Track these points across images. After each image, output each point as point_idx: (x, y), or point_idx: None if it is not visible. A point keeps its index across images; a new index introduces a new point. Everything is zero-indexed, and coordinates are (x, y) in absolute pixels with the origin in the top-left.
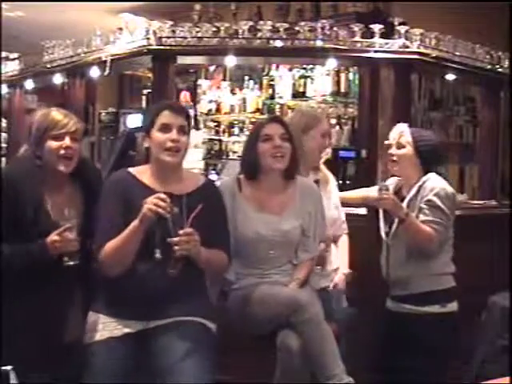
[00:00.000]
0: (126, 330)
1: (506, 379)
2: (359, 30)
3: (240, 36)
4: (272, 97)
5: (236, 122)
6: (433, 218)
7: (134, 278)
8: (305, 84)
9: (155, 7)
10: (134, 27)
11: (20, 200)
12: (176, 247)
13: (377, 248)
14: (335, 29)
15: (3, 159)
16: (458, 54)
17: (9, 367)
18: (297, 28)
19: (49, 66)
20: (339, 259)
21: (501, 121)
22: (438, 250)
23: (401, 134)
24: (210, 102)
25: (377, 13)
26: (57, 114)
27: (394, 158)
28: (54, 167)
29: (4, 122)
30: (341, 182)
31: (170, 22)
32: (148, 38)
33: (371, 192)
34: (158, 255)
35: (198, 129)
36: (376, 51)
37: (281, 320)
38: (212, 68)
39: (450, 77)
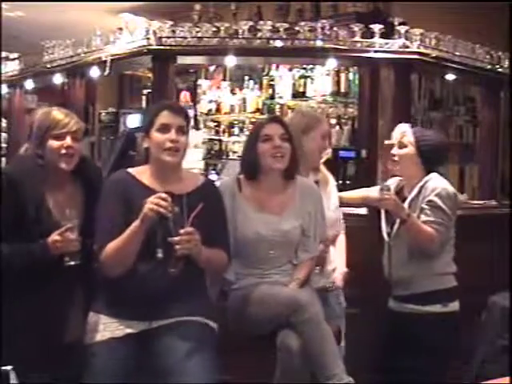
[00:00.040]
0: (128, 331)
1: (506, 379)
2: (359, 30)
3: (240, 36)
4: (272, 97)
5: (236, 122)
6: (434, 219)
7: (136, 278)
8: (305, 84)
9: (155, 7)
10: (134, 27)
11: (22, 199)
12: (177, 246)
13: (377, 248)
14: (335, 29)
15: (3, 159)
16: (457, 53)
17: (9, 367)
18: (297, 28)
19: (49, 65)
20: (337, 258)
21: (501, 121)
22: (440, 250)
23: (403, 134)
24: (210, 101)
25: (377, 13)
26: (58, 113)
27: (396, 158)
28: (56, 166)
29: (4, 122)
30: (341, 182)
31: (170, 22)
32: (148, 38)
33: (371, 192)
34: (159, 255)
35: (197, 129)
36: (376, 51)
37: (281, 320)
38: (212, 68)
39: (450, 77)
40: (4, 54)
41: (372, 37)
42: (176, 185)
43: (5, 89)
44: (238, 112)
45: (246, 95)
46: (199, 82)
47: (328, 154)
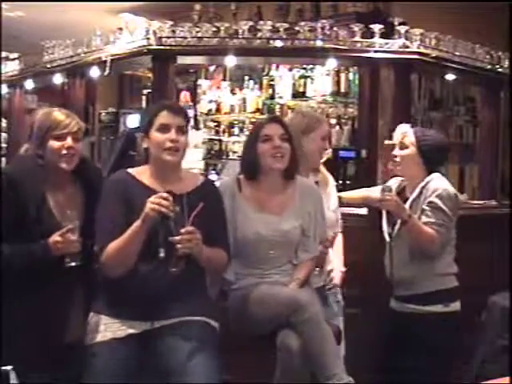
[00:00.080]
0: (130, 331)
1: (506, 379)
2: (359, 30)
3: (240, 36)
4: (272, 97)
5: (236, 122)
6: (435, 220)
7: (137, 279)
8: (305, 84)
9: (155, 7)
10: (134, 27)
11: (22, 199)
12: (178, 246)
13: (378, 248)
14: (335, 29)
15: (3, 159)
16: (457, 54)
17: (9, 367)
18: (297, 28)
19: (49, 65)
20: (335, 258)
21: (501, 121)
22: (440, 250)
23: (404, 135)
24: (210, 101)
25: (377, 13)
26: (59, 114)
27: (398, 159)
28: (56, 166)
29: (4, 122)
30: (341, 182)
31: (170, 22)
32: (148, 38)
33: (372, 192)
34: (162, 254)
35: (197, 129)
36: (376, 51)
37: (281, 320)
38: (212, 68)
39: (450, 77)
40: (4, 54)
41: (372, 37)
42: (176, 184)
43: (5, 89)
44: (238, 112)
45: (246, 95)
46: (199, 82)
47: (328, 153)
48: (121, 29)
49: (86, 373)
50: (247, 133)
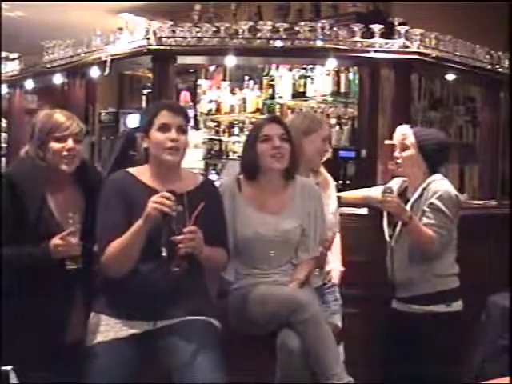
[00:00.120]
0: (133, 331)
1: (506, 379)
2: (359, 30)
3: (240, 36)
4: (272, 97)
5: (236, 122)
6: (435, 222)
7: (139, 279)
8: (305, 84)
9: (155, 7)
10: (134, 27)
11: (23, 201)
12: (180, 245)
13: (378, 248)
14: (335, 29)
15: (3, 159)
16: (457, 54)
17: (9, 367)
18: (297, 28)
19: (49, 66)
20: (333, 257)
21: (501, 121)
22: (441, 252)
23: (404, 136)
24: (210, 101)
25: (377, 13)
26: (60, 115)
27: (399, 161)
28: (57, 167)
29: (4, 122)
30: (341, 182)
31: (170, 22)
32: (148, 38)
33: (372, 192)
34: (164, 254)
35: (198, 129)
36: (376, 51)
37: (280, 320)
38: (212, 68)
39: (450, 77)
40: (4, 54)
41: (372, 37)
42: (176, 184)
43: (5, 89)
44: (238, 112)
45: (246, 95)
46: (199, 82)
47: (328, 155)
48: (121, 29)
49: (87, 373)
50: (247, 133)
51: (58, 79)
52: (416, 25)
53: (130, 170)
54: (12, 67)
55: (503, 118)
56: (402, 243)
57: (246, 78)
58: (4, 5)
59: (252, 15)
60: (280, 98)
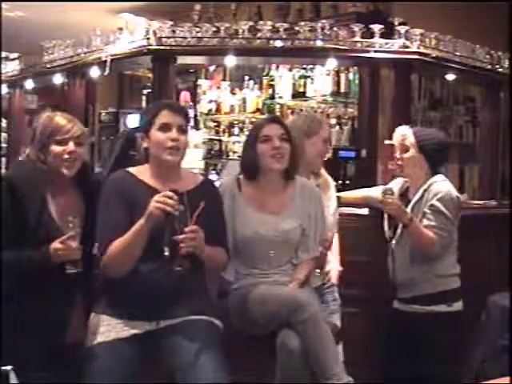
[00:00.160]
0: (134, 331)
1: (506, 379)
2: (359, 30)
3: (240, 36)
4: (272, 97)
5: (236, 122)
6: (435, 224)
7: (140, 278)
8: (305, 84)
9: (155, 7)
10: (134, 27)
11: (23, 205)
12: (182, 244)
13: (378, 248)
14: (335, 29)
15: (3, 159)
16: (457, 54)
17: (9, 367)
18: (297, 28)
19: (49, 66)
20: (332, 257)
21: (501, 121)
22: (441, 253)
23: (404, 137)
24: (210, 102)
25: (377, 13)
26: (61, 118)
27: (401, 162)
28: (58, 171)
29: (4, 122)
30: (341, 182)
31: (170, 22)
32: (148, 38)
33: (372, 192)
34: (166, 253)
35: (197, 129)
36: (376, 51)
37: (280, 320)
38: (212, 68)
39: (450, 77)
40: (4, 54)
41: (372, 37)
42: (176, 183)
43: (5, 89)
44: (238, 112)
45: (246, 95)
46: (199, 82)
47: (329, 155)
48: (121, 29)
49: (88, 373)
50: (247, 133)
51: (58, 79)
52: (416, 25)
53: (130, 169)
54: (12, 67)
55: (503, 118)
56: (403, 244)
57: (246, 78)
58: (4, 5)
59: (252, 15)
60: (280, 98)
